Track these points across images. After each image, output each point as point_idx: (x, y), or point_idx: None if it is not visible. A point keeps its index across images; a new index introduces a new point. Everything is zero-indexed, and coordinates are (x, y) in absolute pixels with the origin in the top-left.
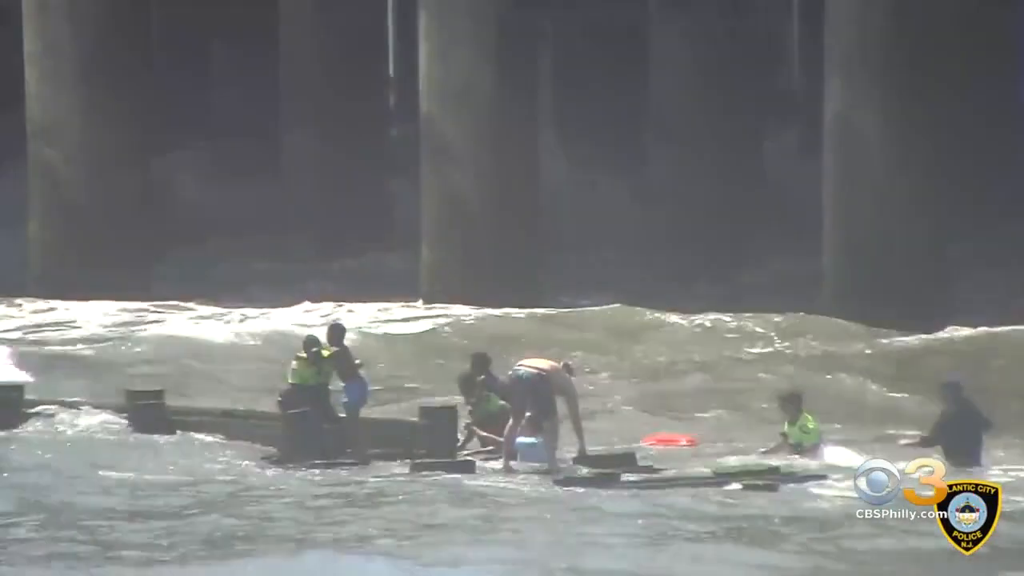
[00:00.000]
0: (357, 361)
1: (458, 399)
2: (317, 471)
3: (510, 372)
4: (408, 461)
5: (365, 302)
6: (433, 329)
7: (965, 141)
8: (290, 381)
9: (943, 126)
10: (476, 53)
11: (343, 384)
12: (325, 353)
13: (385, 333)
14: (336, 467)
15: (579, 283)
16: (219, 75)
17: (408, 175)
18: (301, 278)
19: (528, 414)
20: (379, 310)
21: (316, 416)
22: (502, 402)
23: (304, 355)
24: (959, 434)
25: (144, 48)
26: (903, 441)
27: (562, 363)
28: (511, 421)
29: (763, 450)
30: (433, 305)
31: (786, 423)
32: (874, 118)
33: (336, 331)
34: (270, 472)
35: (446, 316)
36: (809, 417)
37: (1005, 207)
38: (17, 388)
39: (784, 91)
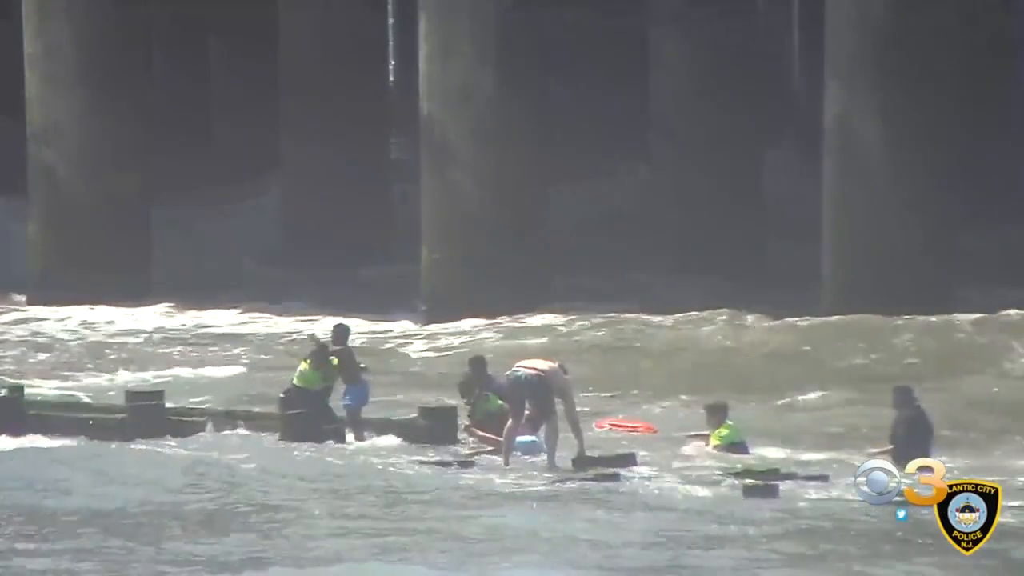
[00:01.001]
0: (361, 364)
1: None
2: (313, 447)
3: (508, 373)
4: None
5: (364, 304)
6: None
7: (965, 143)
8: (295, 383)
9: (943, 128)
10: (476, 54)
11: (345, 386)
12: (335, 362)
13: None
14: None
15: (578, 283)
16: (219, 75)
17: (409, 177)
18: (300, 283)
19: (527, 414)
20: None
21: (314, 418)
22: (501, 401)
23: (310, 359)
24: (909, 436)
25: (144, 48)
26: (872, 450)
27: (558, 363)
28: (510, 421)
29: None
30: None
31: (712, 430)
32: (874, 120)
33: (340, 331)
34: (269, 470)
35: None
36: (730, 424)
37: (1005, 207)
38: (17, 389)
39: (784, 94)
